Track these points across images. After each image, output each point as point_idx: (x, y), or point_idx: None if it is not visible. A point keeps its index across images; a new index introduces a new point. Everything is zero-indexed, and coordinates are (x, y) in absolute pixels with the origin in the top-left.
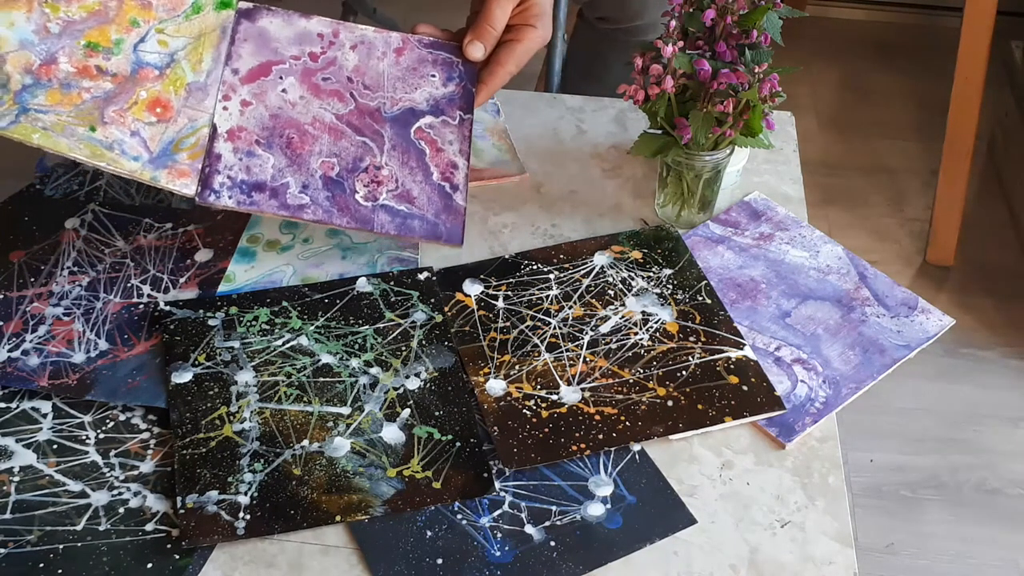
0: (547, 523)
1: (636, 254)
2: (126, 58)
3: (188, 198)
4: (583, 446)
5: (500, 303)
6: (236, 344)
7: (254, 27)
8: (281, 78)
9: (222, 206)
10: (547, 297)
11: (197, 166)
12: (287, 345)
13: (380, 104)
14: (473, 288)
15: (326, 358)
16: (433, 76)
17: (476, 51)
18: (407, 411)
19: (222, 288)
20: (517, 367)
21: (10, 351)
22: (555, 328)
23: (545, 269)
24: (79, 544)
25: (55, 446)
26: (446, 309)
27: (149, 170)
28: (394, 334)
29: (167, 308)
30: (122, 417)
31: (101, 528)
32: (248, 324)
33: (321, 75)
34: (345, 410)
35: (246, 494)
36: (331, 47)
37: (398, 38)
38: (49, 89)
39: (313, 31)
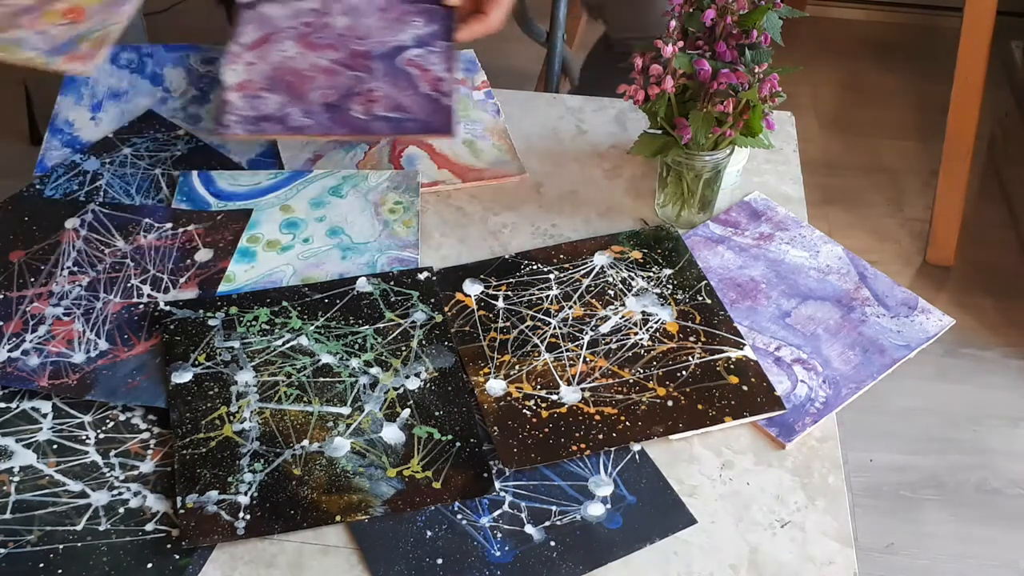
0: (547, 523)
1: (636, 254)
2: None
3: (85, 75)
4: (583, 446)
5: (500, 303)
6: (236, 344)
7: (255, 12)
8: (280, 42)
9: (232, 136)
10: (547, 297)
11: (96, 51)
12: (287, 345)
13: (370, 48)
14: (473, 288)
15: (326, 358)
16: (416, 21)
17: None
18: (407, 411)
19: (222, 288)
20: (517, 367)
21: (10, 351)
22: (555, 328)
23: (545, 269)
24: (79, 544)
25: (55, 446)
26: (446, 309)
27: (44, 57)
28: (394, 334)
29: (167, 308)
30: (122, 417)
31: (101, 528)
32: (248, 324)
33: (315, 35)
34: (345, 410)
35: (246, 494)
36: (324, 16)
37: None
38: None
39: (306, 7)
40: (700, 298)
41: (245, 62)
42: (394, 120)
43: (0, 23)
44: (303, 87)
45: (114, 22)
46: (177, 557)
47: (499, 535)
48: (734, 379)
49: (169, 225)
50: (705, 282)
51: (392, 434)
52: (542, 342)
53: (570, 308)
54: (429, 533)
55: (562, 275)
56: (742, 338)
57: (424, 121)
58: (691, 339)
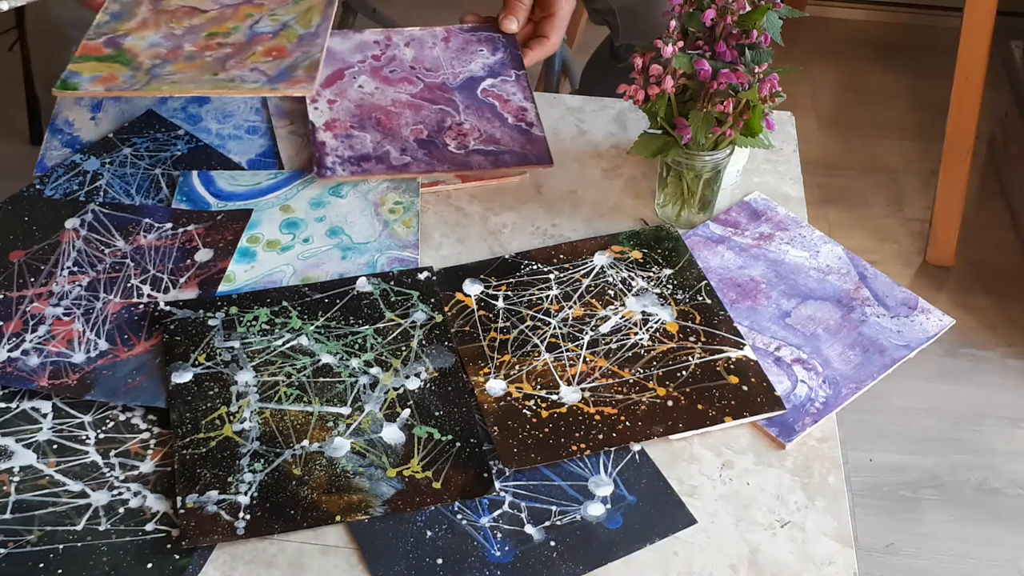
0: (547, 523)
1: (636, 254)
2: (243, 34)
3: (302, 96)
4: (583, 446)
5: (500, 303)
6: (236, 344)
7: None
8: (354, 78)
9: (338, 179)
10: (547, 297)
11: (313, 75)
12: (287, 345)
13: (444, 79)
14: (473, 288)
15: (326, 358)
16: (481, 50)
17: (511, 24)
18: (407, 411)
19: (222, 288)
20: (517, 367)
21: (10, 351)
22: (555, 328)
23: (545, 269)
24: (79, 544)
25: (55, 446)
26: (446, 309)
27: (268, 86)
28: (394, 334)
29: (167, 308)
30: (122, 417)
31: (101, 528)
32: (248, 324)
33: (387, 69)
34: (345, 410)
35: (246, 494)
36: (388, 48)
37: (441, 30)
38: (176, 63)
39: (369, 40)
40: (700, 298)
41: (326, 100)
42: (491, 153)
43: (212, 67)
44: (392, 123)
45: (316, 50)
46: (177, 557)
47: (499, 535)
48: (734, 379)
49: (169, 225)
50: (705, 282)
51: (392, 434)
52: (542, 342)
53: (570, 308)
54: (429, 533)
55: (562, 275)
56: (742, 338)
57: (521, 153)
58: (691, 339)
